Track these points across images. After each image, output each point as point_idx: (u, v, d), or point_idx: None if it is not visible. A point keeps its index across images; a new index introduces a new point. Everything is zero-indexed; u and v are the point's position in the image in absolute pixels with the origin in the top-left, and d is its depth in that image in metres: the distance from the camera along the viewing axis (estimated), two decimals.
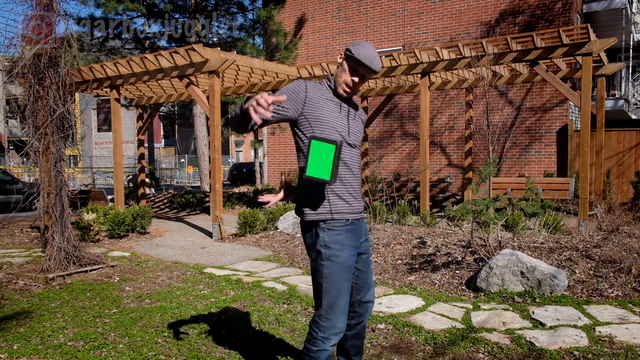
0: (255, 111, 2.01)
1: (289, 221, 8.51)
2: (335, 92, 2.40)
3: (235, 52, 10.43)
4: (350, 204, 2.39)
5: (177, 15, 15.80)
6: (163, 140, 35.56)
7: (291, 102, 2.29)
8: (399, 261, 5.94)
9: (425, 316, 4.17)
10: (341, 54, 2.40)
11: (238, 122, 2.26)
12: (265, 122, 2.26)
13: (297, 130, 2.37)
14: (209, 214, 11.78)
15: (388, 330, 3.88)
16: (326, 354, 2.37)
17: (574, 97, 8.35)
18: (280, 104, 2.24)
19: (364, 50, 2.29)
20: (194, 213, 12.61)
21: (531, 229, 6.91)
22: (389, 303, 4.52)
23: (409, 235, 6.92)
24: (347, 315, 2.41)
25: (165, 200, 14.51)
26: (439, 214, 10.41)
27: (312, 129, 2.32)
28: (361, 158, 12.54)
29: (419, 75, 9.84)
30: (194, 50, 8.21)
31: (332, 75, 2.45)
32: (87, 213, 8.30)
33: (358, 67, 2.31)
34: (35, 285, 5.39)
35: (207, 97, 8.77)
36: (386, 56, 9.54)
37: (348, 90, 2.37)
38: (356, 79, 2.35)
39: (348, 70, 2.34)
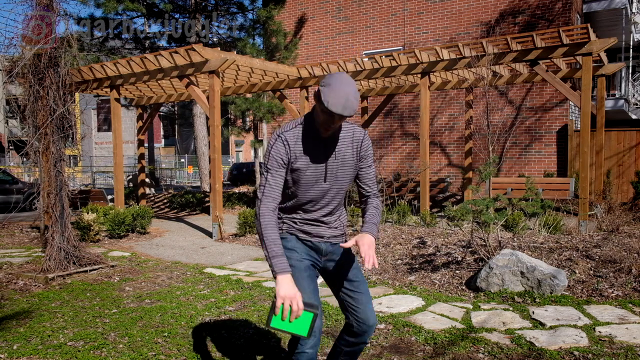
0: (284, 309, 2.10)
1: None
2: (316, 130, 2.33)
3: (235, 52, 10.43)
4: (310, 232, 2.42)
5: (177, 15, 15.79)
6: (163, 140, 35.55)
7: (282, 164, 2.30)
8: (399, 261, 5.94)
9: (425, 316, 4.17)
10: (317, 89, 2.34)
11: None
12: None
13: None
14: (209, 214, 11.78)
15: (388, 330, 3.88)
16: (305, 357, 2.28)
17: (574, 97, 8.35)
18: (277, 171, 2.29)
19: (335, 97, 2.12)
20: (194, 213, 12.61)
21: (531, 229, 6.91)
22: (389, 303, 4.52)
23: (409, 235, 6.92)
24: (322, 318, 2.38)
25: (165, 200, 14.51)
26: (439, 214, 10.41)
27: (292, 180, 2.34)
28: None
29: (419, 75, 9.84)
30: (194, 50, 8.20)
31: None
32: (87, 213, 8.29)
33: (331, 114, 2.16)
34: (35, 285, 5.39)
35: (207, 97, 8.76)
36: (386, 56, 9.54)
37: (327, 131, 2.28)
38: (332, 124, 2.24)
39: (321, 115, 2.21)
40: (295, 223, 2.43)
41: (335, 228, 2.47)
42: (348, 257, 2.50)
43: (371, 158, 2.46)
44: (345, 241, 2.49)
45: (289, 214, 2.44)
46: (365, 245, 2.23)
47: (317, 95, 2.16)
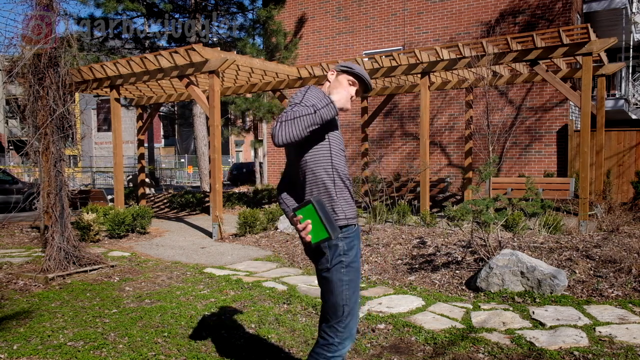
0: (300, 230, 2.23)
1: (289, 221, 8.50)
2: None
3: (235, 52, 10.43)
4: (354, 209, 2.44)
5: (177, 15, 15.79)
6: (163, 140, 35.54)
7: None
8: (399, 261, 5.94)
9: (425, 316, 4.17)
10: (332, 71, 2.42)
11: (301, 128, 2.16)
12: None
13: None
14: (209, 214, 11.77)
15: (388, 330, 3.88)
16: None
17: (574, 97, 8.35)
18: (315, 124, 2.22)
19: (359, 68, 2.36)
20: (194, 213, 12.61)
21: (531, 229, 6.91)
22: (389, 303, 4.52)
23: (409, 235, 6.92)
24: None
25: (165, 200, 14.50)
26: (439, 214, 10.41)
27: (327, 134, 2.31)
28: (361, 158, 12.53)
29: (419, 75, 9.84)
30: (194, 50, 8.20)
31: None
32: (87, 213, 8.29)
33: (357, 82, 2.36)
34: (35, 285, 5.39)
35: (207, 97, 8.76)
36: (386, 56, 9.54)
37: (345, 103, 2.31)
38: (353, 95, 2.39)
39: (347, 85, 2.35)
40: (348, 201, 2.37)
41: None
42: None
43: None
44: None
45: (341, 194, 2.35)
46: None
47: (342, 66, 2.35)
